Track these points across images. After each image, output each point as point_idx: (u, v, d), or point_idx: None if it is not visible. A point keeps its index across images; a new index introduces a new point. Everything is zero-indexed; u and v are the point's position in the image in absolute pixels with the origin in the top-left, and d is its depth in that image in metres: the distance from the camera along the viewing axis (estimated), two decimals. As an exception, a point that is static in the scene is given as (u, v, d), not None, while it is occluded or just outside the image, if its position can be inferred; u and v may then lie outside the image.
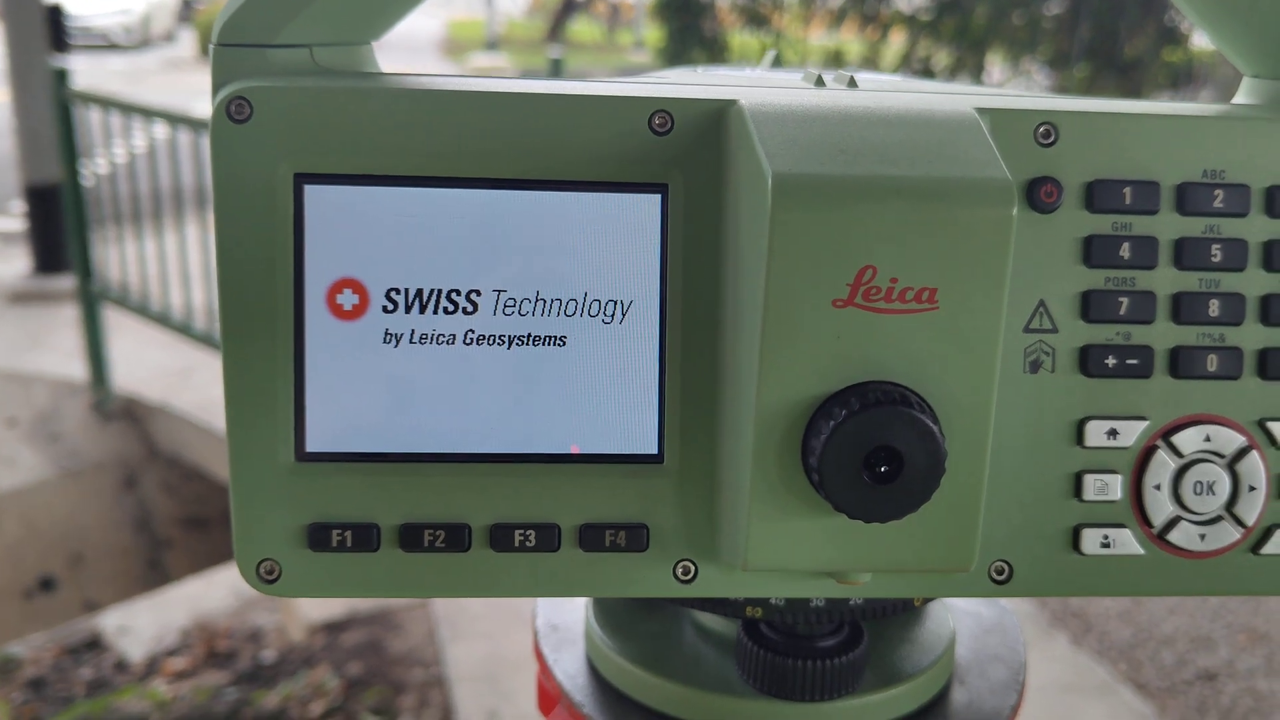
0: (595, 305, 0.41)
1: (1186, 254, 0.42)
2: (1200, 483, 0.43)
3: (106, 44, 14.45)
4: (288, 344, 0.41)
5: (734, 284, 0.40)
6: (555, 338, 0.41)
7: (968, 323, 0.37)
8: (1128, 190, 0.42)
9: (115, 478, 3.77)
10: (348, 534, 0.41)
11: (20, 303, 4.76)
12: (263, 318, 0.40)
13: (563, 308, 0.41)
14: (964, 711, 0.53)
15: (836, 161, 0.37)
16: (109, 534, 3.68)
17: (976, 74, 7.31)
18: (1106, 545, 0.43)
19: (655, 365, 0.41)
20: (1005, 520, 0.43)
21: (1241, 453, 0.43)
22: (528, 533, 0.42)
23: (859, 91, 0.42)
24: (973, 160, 0.38)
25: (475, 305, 0.41)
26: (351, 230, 0.40)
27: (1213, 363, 0.42)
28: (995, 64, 7.64)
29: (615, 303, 0.41)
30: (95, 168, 3.90)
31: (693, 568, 0.42)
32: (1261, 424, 0.43)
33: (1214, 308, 0.42)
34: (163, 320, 3.63)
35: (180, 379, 3.89)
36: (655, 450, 0.42)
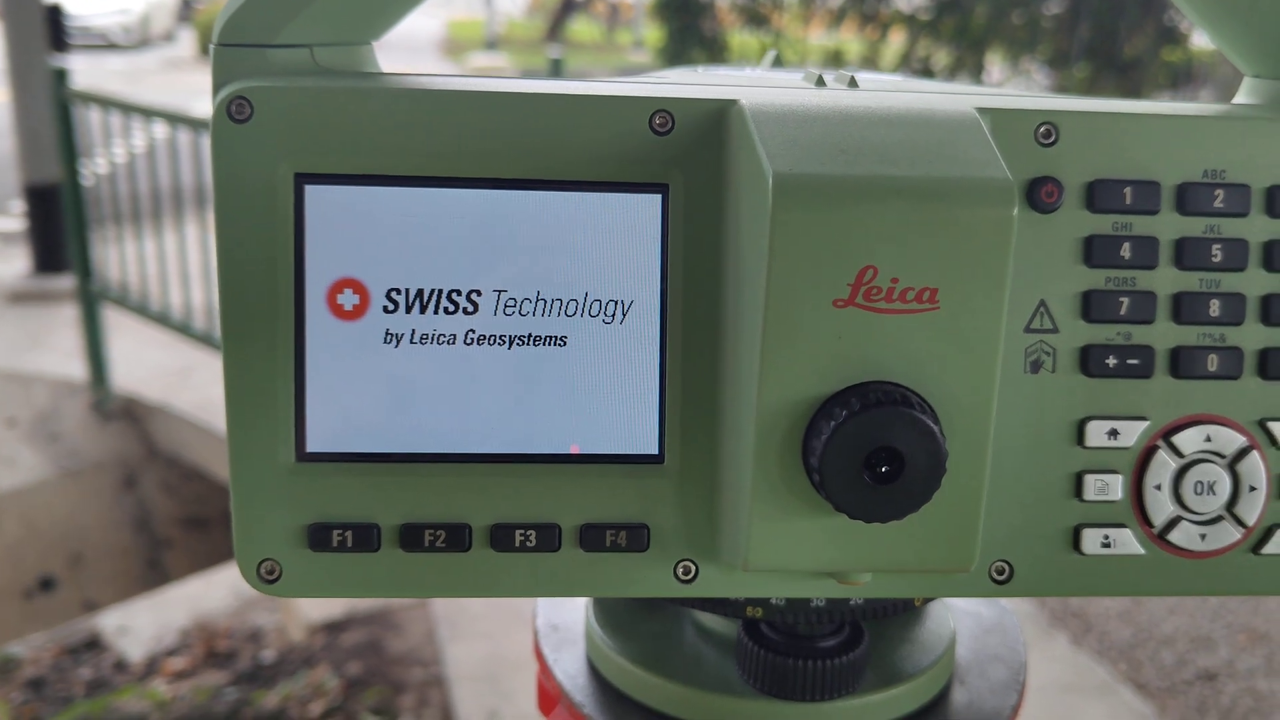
0: (596, 305, 0.41)
1: (1187, 254, 0.42)
2: (1201, 483, 0.43)
3: (106, 44, 14.45)
4: (288, 344, 0.41)
5: (735, 284, 0.40)
6: (556, 338, 0.41)
7: (968, 323, 0.37)
8: (1128, 190, 0.42)
9: (115, 477, 3.77)
10: (348, 534, 0.41)
11: (20, 302, 4.76)
12: (263, 318, 0.40)
13: (563, 308, 0.41)
14: (964, 711, 0.53)
15: (837, 161, 0.37)
16: (108, 534, 3.68)
17: (976, 73, 7.31)
18: (1107, 545, 0.43)
19: (656, 365, 0.41)
20: (1006, 520, 0.43)
21: (1242, 453, 0.43)
22: (528, 533, 0.42)
23: (860, 91, 0.42)
24: (973, 160, 0.38)
25: (476, 305, 0.41)
26: (352, 230, 0.40)
27: (1213, 363, 0.42)
28: (995, 63, 7.64)
29: (616, 303, 0.41)
30: (95, 167, 3.91)
31: (693, 568, 0.42)
32: (1262, 424, 0.43)
33: (1214, 308, 0.42)
34: (162, 320, 3.63)
35: (180, 379, 3.89)
36: (656, 450, 0.42)
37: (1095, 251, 0.42)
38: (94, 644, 2.54)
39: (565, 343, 0.41)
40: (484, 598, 0.43)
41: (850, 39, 8.09)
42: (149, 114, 3.46)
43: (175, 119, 3.40)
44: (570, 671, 0.55)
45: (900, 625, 0.55)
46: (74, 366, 3.96)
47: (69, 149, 3.67)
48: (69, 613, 3.23)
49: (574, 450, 0.42)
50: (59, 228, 4.52)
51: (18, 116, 4.75)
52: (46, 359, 4.14)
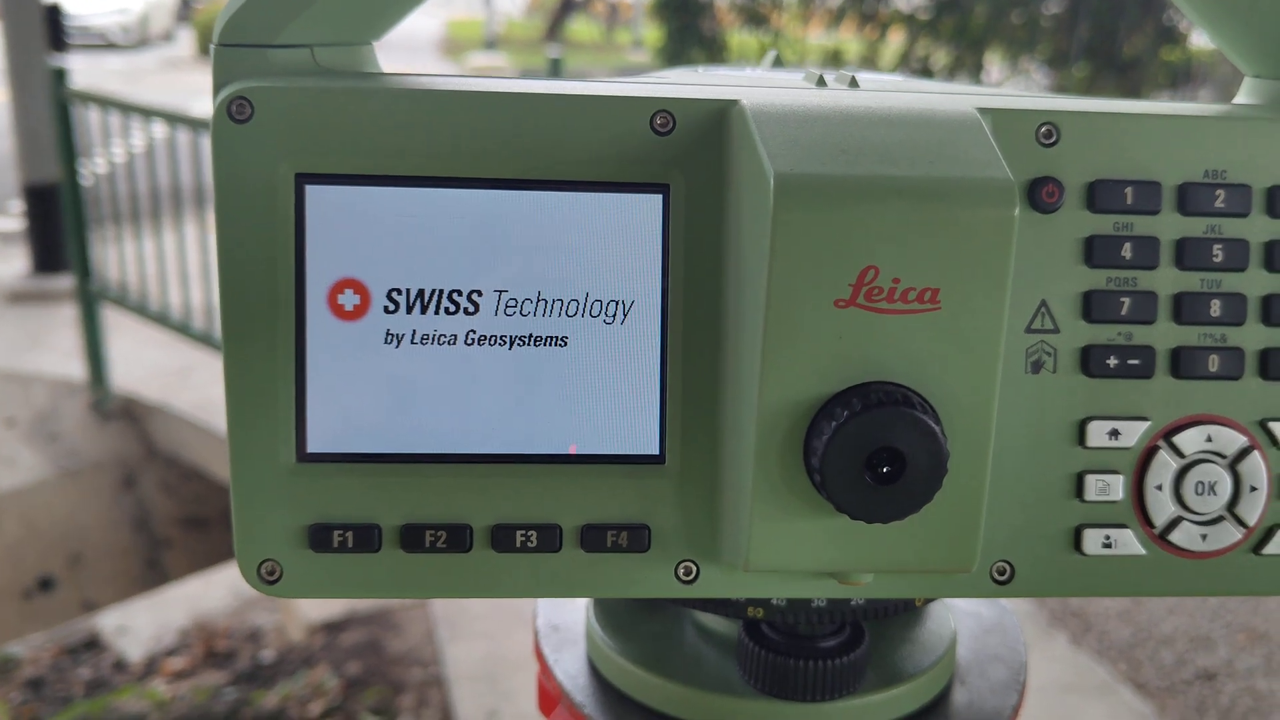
0: (596, 305, 0.41)
1: (1188, 254, 0.42)
2: (1202, 483, 0.43)
3: (105, 43, 14.45)
4: (289, 344, 0.41)
5: (736, 284, 0.40)
6: (556, 338, 0.41)
7: (969, 323, 0.37)
8: (1129, 190, 0.42)
9: (114, 477, 3.77)
10: (349, 534, 0.41)
11: (19, 302, 4.75)
12: (264, 318, 0.40)
13: (564, 308, 0.41)
14: (965, 711, 0.53)
15: (838, 162, 0.37)
16: (108, 534, 3.68)
17: (975, 73, 7.31)
18: (1108, 545, 0.43)
19: (657, 366, 0.41)
20: (1007, 520, 0.43)
21: (1243, 453, 0.43)
22: (529, 533, 0.41)
23: (860, 91, 0.42)
24: (974, 160, 0.38)
25: (476, 305, 0.41)
26: (352, 230, 0.40)
27: (1214, 363, 0.42)
28: (994, 63, 7.64)
29: (617, 303, 0.41)
30: (94, 167, 3.90)
31: (694, 568, 0.42)
32: (1263, 424, 0.43)
33: (1215, 308, 0.42)
34: (161, 320, 3.63)
35: (179, 378, 3.89)
36: (657, 451, 0.42)
37: (1096, 252, 0.42)
38: (93, 644, 2.54)
39: (566, 343, 0.41)
40: (484, 598, 0.43)
41: (849, 39, 8.09)
42: (148, 114, 3.46)
43: (174, 119, 3.40)
44: (571, 672, 0.55)
45: (901, 625, 0.55)
46: (73, 366, 3.96)
47: (68, 149, 3.67)
48: (68, 613, 3.23)
49: (574, 450, 0.42)
50: (58, 227, 4.52)
51: (17, 116, 4.75)
52: (45, 359, 4.14)
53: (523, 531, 0.41)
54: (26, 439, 3.77)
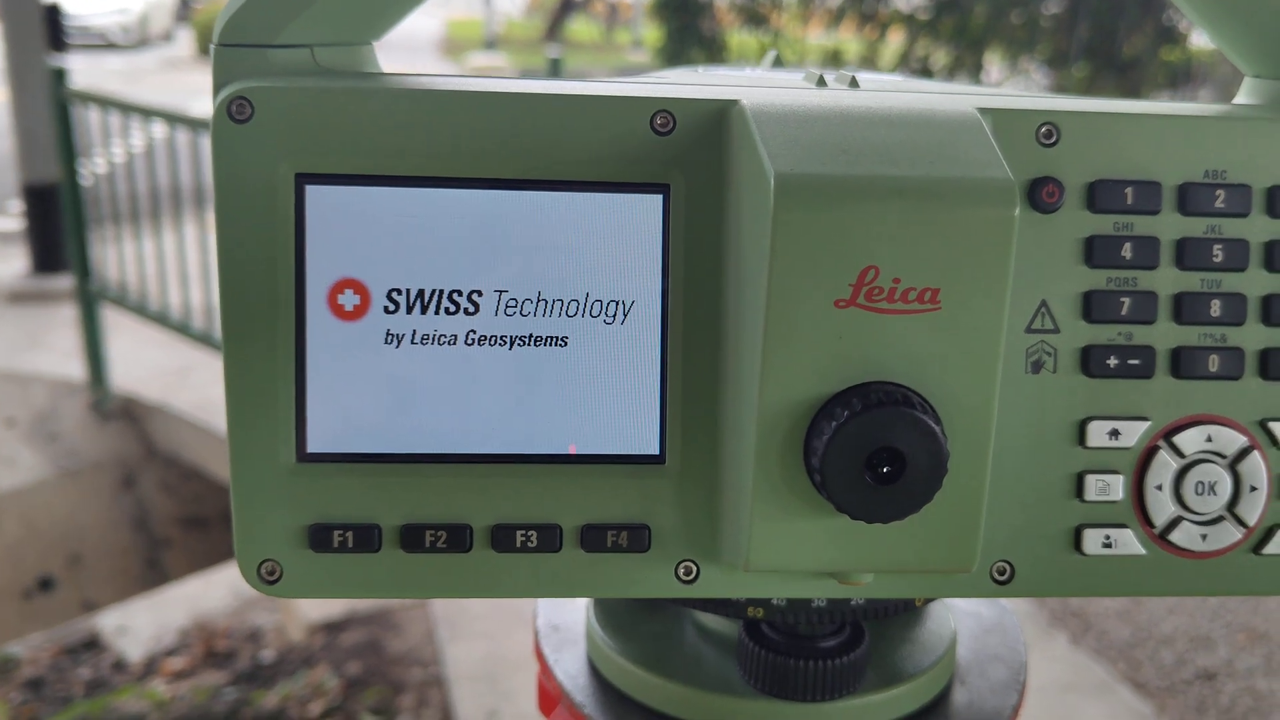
0: (597, 306, 0.41)
1: (1188, 254, 0.42)
2: (1202, 483, 0.43)
3: (104, 43, 14.45)
4: (289, 344, 0.41)
5: (736, 284, 0.40)
6: (557, 338, 0.41)
7: (970, 323, 0.37)
8: (1129, 190, 0.42)
9: (113, 477, 3.77)
10: (349, 535, 0.41)
11: (18, 302, 4.75)
12: (264, 318, 0.40)
13: (564, 308, 0.41)
14: (965, 711, 0.53)
15: (839, 162, 0.37)
16: (107, 534, 3.68)
17: (975, 73, 7.31)
18: (1108, 545, 0.43)
19: (657, 366, 0.41)
20: (1007, 520, 0.43)
21: (1243, 453, 0.43)
22: (529, 533, 0.41)
23: (861, 91, 0.42)
24: (975, 160, 0.38)
25: (476, 306, 0.41)
26: (352, 230, 0.40)
27: (1214, 363, 0.42)
28: (993, 63, 7.64)
29: (617, 303, 0.41)
30: (93, 167, 3.90)
31: (694, 568, 0.42)
32: (1263, 424, 0.43)
33: (1215, 308, 0.42)
34: (161, 320, 3.63)
35: (178, 378, 3.89)
36: (657, 451, 0.42)
37: (1096, 252, 0.42)
38: (93, 644, 2.54)
39: (566, 343, 0.41)
40: (485, 598, 0.43)
41: (849, 39, 8.09)
42: (148, 114, 3.46)
43: (174, 119, 3.40)
44: (571, 672, 0.55)
45: (901, 625, 0.55)
46: (73, 366, 3.96)
47: (68, 149, 3.67)
48: (68, 613, 3.23)
49: (574, 450, 0.42)
50: (57, 227, 4.52)
51: (16, 116, 4.75)
52: (45, 359, 4.14)
53: (523, 531, 0.41)
54: (26, 439, 3.77)
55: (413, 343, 0.41)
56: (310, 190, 0.40)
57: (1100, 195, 0.42)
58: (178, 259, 3.55)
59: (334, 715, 2.17)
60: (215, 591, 2.66)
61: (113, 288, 3.75)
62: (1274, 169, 0.42)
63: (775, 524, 0.39)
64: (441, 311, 0.41)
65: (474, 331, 0.41)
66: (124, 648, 2.49)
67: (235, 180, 0.40)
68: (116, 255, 3.72)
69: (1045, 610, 2.53)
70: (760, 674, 0.49)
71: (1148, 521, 0.43)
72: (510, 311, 0.41)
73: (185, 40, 15.74)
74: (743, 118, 0.39)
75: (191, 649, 2.44)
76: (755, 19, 7.80)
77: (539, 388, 0.41)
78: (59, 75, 3.65)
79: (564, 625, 0.58)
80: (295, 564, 0.42)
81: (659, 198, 0.41)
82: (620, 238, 0.41)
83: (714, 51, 7.54)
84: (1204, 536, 0.43)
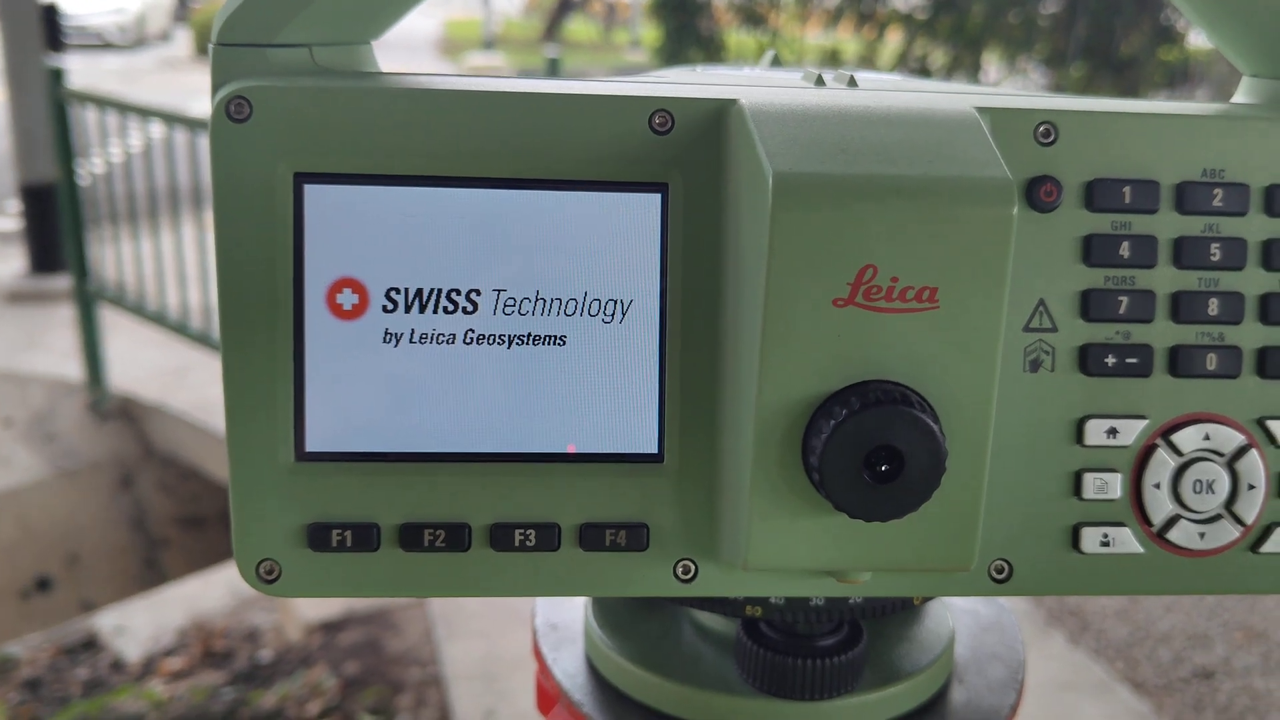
0: (595, 305, 0.41)
1: (1186, 253, 0.42)
2: (1200, 481, 0.43)
3: (102, 43, 14.43)
4: (287, 344, 0.41)
5: (734, 283, 0.40)
6: (555, 337, 0.41)
7: (968, 322, 0.37)
8: (1127, 189, 0.42)
9: (111, 477, 3.77)
10: (348, 534, 0.41)
11: (16, 302, 4.75)
12: (262, 317, 0.40)
13: (563, 307, 0.41)
14: (963, 710, 0.53)
15: (837, 161, 0.37)
16: (105, 534, 3.68)
17: (973, 73, 7.32)
18: (1106, 544, 0.43)
19: (655, 365, 0.41)
20: (1005, 519, 0.43)
21: (1241, 451, 0.43)
22: (528, 532, 0.41)
23: (859, 91, 0.42)
24: (973, 159, 0.38)
25: (475, 305, 0.41)
26: (351, 230, 0.40)
27: (1212, 361, 0.43)
28: (991, 63, 7.64)
29: (615, 302, 0.41)
30: (91, 167, 3.90)
31: (693, 567, 0.42)
32: (1260, 422, 0.43)
33: (1213, 306, 0.42)
34: (159, 320, 3.62)
35: (176, 378, 3.89)
36: (655, 450, 0.42)
37: (1094, 250, 0.42)
38: (91, 644, 2.53)
39: (565, 342, 0.41)
40: (483, 597, 0.43)
41: (847, 38, 8.09)
42: (145, 113, 3.45)
43: (172, 119, 3.40)
44: (569, 671, 0.55)
45: (899, 624, 0.55)
46: (70, 366, 3.96)
47: (65, 149, 3.66)
48: (66, 613, 3.23)
49: (573, 449, 0.42)
50: (55, 227, 4.51)
51: (14, 116, 4.75)
52: (42, 359, 4.14)
53: (521, 530, 0.41)
54: (24, 439, 3.77)
55: (411, 342, 0.41)
56: (309, 189, 0.40)
57: (1098, 194, 0.42)
58: (175, 259, 3.55)
59: (332, 715, 2.17)
60: (213, 591, 2.66)
61: (110, 288, 3.74)
62: (1272, 168, 0.42)
63: (774, 523, 0.39)
64: (440, 311, 0.41)
65: (472, 331, 0.41)
66: (122, 648, 2.49)
67: (234, 180, 0.40)
68: (114, 255, 3.72)
69: (1043, 609, 2.53)
70: (758, 673, 0.49)
71: (1146, 520, 0.43)
72: (509, 311, 0.41)
73: (183, 40, 15.73)
74: (741, 117, 0.39)
75: (189, 649, 2.43)
76: (753, 19, 7.81)
77: (537, 387, 0.41)
78: (57, 75, 3.65)
79: (562, 624, 0.58)
80: (294, 563, 0.42)
81: (657, 197, 0.41)
82: (619, 237, 0.41)
83: (712, 51, 7.54)
84: (1202, 535, 0.43)
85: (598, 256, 0.41)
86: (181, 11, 17.67)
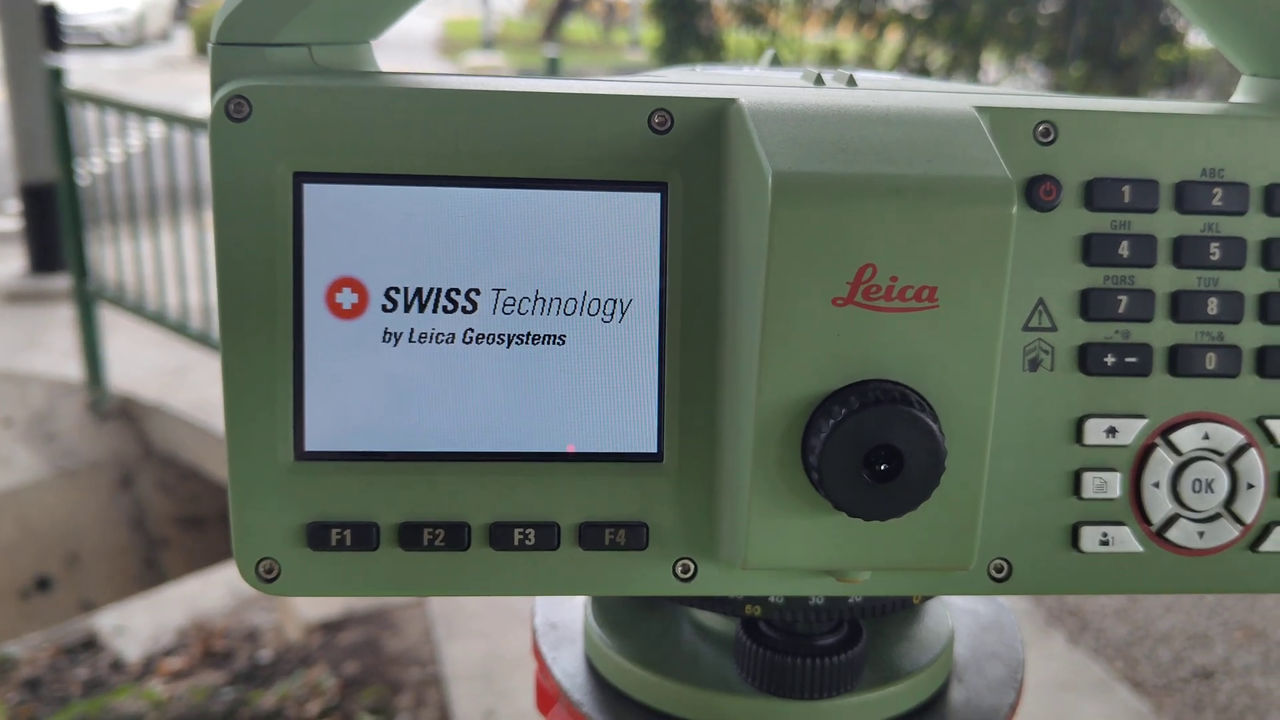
0: (595, 304, 0.41)
1: (1185, 252, 0.42)
2: (1199, 480, 0.43)
3: (101, 43, 14.43)
4: (287, 343, 0.41)
5: (734, 282, 0.40)
6: (554, 336, 0.41)
7: (967, 321, 0.37)
8: (1127, 189, 0.42)
9: (111, 477, 3.77)
10: (347, 533, 0.41)
11: (16, 302, 4.75)
12: (262, 317, 0.40)
13: (562, 306, 0.41)
14: (962, 709, 0.53)
15: (836, 160, 0.37)
16: (105, 533, 3.68)
17: (972, 72, 7.32)
18: (1105, 543, 0.43)
19: (655, 364, 0.41)
20: (1004, 518, 0.43)
21: (1240, 450, 0.43)
22: (527, 531, 0.42)
23: (858, 90, 0.42)
24: (972, 159, 0.38)
25: (474, 304, 0.41)
26: (351, 229, 0.40)
27: (1211, 361, 0.43)
28: (991, 62, 7.64)
29: (615, 301, 0.41)
30: (91, 167, 3.90)
31: (692, 566, 0.42)
32: (1260, 422, 0.43)
33: (1212, 306, 0.42)
34: (158, 320, 3.62)
35: (176, 378, 3.89)
36: (655, 449, 0.42)
37: (1094, 250, 0.42)
38: (91, 644, 2.53)
39: (564, 341, 0.41)
40: (482, 596, 0.43)
41: (846, 38, 8.09)
42: (145, 113, 3.45)
43: (171, 118, 3.39)
44: (569, 670, 0.55)
45: (898, 623, 0.55)
46: (70, 366, 3.96)
47: (65, 148, 3.66)
48: (65, 613, 3.23)
49: (572, 449, 0.42)
50: (55, 227, 4.51)
51: (13, 116, 4.75)
52: (42, 359, 4.14)
53: (521, 530, 0.41)
54: (23, 439, 3.77)
55: (411, 341, 0.41)
56: (308, 189, 0.40)
57: (1098, 193, 0.42)
58: (175, 259, 3.55)
59: (331, 715, 2.17)
60: (213, 591, 2.66)
61: (110, 287, 3.74)
62: (1271, 167, 0.42)
63: (773, 522, 0.39)
64: (439, 310, 0.41)
65: (472, 330, 0.41)
66: (122, 648, 2.49)
67: (233, 179, 0.40)
68: (114, 255, 3.72)
69: (1043, 608, 2.53)
70: (758, 672, 0.49)
71: (1145, 519, 0.43)
72: (508, 310, 0.41)
73: (182, 40, 15.73)
74: (740, 116, 0.39)
75: (189, 649, 2.43)
76: (753, 18, 7.81)
77: (537, 386, 0.41)
78: (56, 75, 3.64)
79: (562, 624, 0.58)
80: (293, 562, 0.42)
81: (657, 196, 0.41)
82: (618, 236, 0.41)
83: (711, 51, 7.54)
84: (1201, 534, 0.43)
85: (597, 256, 0.41)
86: (181, 11, 17.68)
